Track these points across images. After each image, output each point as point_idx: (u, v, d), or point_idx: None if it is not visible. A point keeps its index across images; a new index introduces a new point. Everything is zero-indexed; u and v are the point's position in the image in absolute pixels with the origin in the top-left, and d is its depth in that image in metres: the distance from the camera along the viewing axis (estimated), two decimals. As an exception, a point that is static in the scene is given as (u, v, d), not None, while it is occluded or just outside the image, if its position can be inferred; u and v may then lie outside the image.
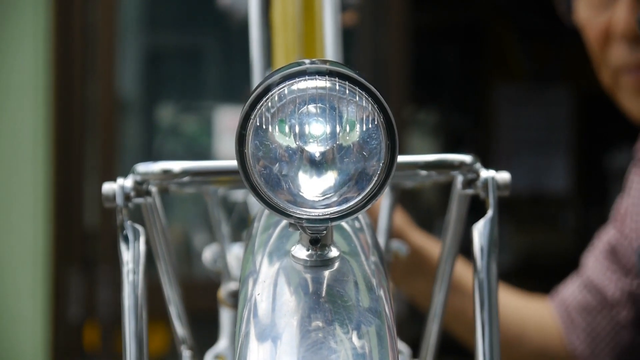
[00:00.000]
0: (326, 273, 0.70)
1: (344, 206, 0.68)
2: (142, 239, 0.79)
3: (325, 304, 0.67)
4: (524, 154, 5.09)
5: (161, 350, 3.12)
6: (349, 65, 0.69)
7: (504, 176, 0.81)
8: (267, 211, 0.72)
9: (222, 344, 1.16)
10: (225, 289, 1.02)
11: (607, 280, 1.46)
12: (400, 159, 0.75)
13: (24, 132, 3.09)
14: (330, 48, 1.13)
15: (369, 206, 0.69)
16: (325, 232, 0.70)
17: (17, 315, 3.07)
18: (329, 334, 0.65)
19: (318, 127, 0.68)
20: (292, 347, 0.65)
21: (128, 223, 0.79)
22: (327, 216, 0.68)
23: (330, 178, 0.68)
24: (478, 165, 0.81)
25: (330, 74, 0.67)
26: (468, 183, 0.81)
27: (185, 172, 0.80)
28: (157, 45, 3.78)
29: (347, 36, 1.85)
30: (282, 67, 0.68)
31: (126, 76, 3.48)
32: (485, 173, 0.80)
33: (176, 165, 0.80)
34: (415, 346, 0.95)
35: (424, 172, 0.81)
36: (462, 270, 1.39)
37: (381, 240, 0.97)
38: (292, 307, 0.67)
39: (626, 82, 1.44)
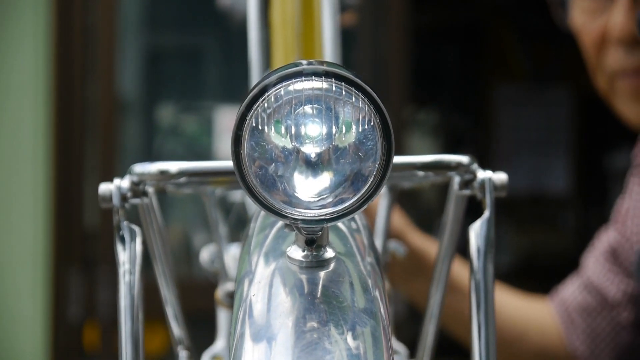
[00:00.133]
0: (321, 274, 0.70)
1: (340, 207, 0.68)
2: (138, 240, 0.79)
3: (320, 305, 0.67)
4: (524, 154, 5.08)
5: (162, 351, 3.12)
6: (346, 66, 0.69)
7: (500, 177, 0.81)
8: (263, 212, 0.72)
9: (220, 344, 1.16)
10: (222, 290, 1.02)
11: (607, 281, 1.46)
12: (397, 159, 0.74)
13: (24, 132, 3.09)
14: (329, 48, 1.13)
15: (364, 207, 0.69)
16: (320, 232, 0.70)
17: (17, 315, 3.07)
18: (323, 335, 0.65)
19: (314, 128, 0.68)
20: (287, 348, 0.65)
21: (125, 223, 0.79)
22: (323, 217, 0.68)
23: (325, 179, 0.68)
24: (475, 166, 0.81)
25: (327, 75, 0.67)
26: (465, 184, 0.81)
27: (182, 173, 0.80)
28: (157, 45, 3.78)
29: (347, 36, 1.85)
30: (278, 68, 0.68)
31: (126, 76, 3.47)
32: (482, 174, 0.80)
33: (173, 166, 0.80)
34: (415, 346, 0.95)
35: (421, 173, 0.80)
36: (460, 270, 1.39)
37: (379, 241, 0.97)
38: (287, 308, 0.67)
39: (622, 87, 1.43)
